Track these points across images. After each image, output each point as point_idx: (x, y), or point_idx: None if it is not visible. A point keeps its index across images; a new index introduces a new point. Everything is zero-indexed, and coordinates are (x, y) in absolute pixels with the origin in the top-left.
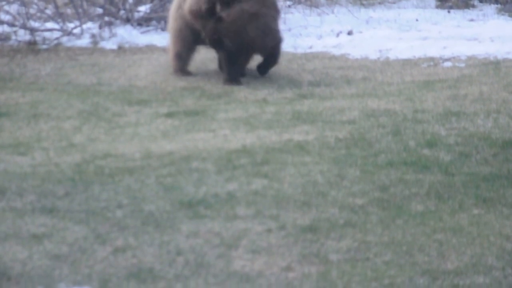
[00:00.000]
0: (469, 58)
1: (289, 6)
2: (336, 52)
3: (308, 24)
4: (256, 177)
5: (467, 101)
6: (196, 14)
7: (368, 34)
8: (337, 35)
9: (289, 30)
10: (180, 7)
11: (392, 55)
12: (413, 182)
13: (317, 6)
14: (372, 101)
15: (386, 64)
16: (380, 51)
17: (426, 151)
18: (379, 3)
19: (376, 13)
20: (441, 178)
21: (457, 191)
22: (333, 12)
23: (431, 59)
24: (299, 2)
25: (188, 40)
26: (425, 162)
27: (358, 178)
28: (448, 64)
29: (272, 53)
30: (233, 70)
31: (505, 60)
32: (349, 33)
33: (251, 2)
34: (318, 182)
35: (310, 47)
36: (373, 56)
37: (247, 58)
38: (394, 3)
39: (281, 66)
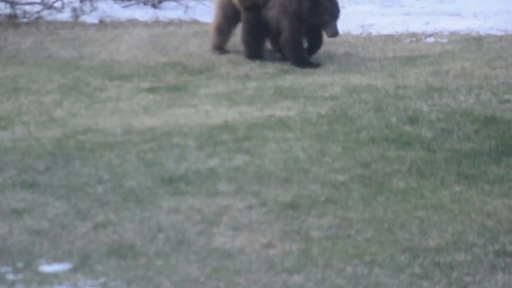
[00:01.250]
0: (452, 33)
1: None
2: None
3: None
4: (238, 153)
5: (449, 77)
6: None
7: (351, 9)
8: None
9: None
10: None
11: (374, 31)
12: (394, 158)
13: None
14: (354, 77)
15: (368, 39)
16: (362, 26)
17: (408, 128)
18: None
19: None
20: (423, 154)
21: (439, 168)
22: None
23: (414, 34)
24: None
25: (230, 15)
26: (407, 139)
27: (339, 155)
28: (430, 39)
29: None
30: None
31: (487, 36)
32: None
33: None
34: (299, 158)
35: None
36: (356, 31)
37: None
38: None
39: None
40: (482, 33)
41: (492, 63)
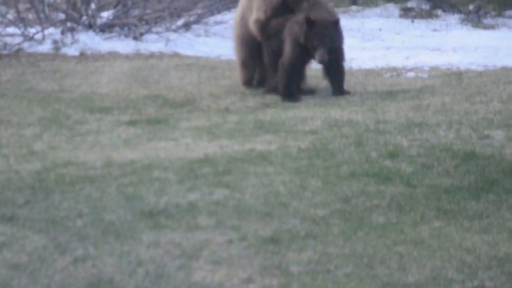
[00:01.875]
0: (432, 68)
1: None
2: None
3: None
4: (218, 187)
5: (429, 112)
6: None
7: None
8: None
9: None
10: (244, 14)
11: (355, 65)
12: (375, 193)
13: None
14: (335, 111)
15: (349, 73)
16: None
17: (388, 162)
18: (343, 11)
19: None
20: (402, 189)
21: (419, 203)
22: None
23: (394, 69)
24: None
25: (253, 48)
26: (387, 174)
27: (320, 189)
28: (411, 74)
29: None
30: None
31: (467, 71)
32: None
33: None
34: (280, 192)
35: None
36: None
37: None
38: (357, 12)
39: None
40: (462, 68)
41: (472, 98)
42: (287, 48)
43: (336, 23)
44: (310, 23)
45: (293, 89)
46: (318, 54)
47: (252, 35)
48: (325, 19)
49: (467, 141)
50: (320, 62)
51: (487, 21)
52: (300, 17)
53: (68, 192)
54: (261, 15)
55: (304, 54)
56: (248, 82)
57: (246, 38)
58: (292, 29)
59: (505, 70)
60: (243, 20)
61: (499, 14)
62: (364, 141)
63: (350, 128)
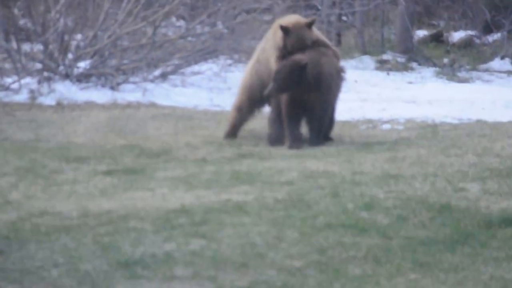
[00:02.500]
0: (408, 120)
1: (230, 65)
2: None
3: None
4: (194, 237)
5: (405, 163)
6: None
7: None
8: None
9: (229, 89)
10: (258, 61)
11: None
12: (351, 245)
13: None
14: (311, 162)
15: None
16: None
17: (364, 214)
18: None
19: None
20: (379, 241)
21: (395, 255)
22: None
23: (370, 121)
24: (240, 61)
25: (255, 98)
26: (363, 225)
27: (296, 240)
28: (386, 126)
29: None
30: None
31: (442, 123)
32: None
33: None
34: (256, 243)
35: None
36: None
37: None
38: None
39: (221, 125)
40: (437, 120)
41: (447, 151)
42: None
43: (301, 67)
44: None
45: (296, 135)
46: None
47: (258, 84)
48: (295, 60)
49: (442, 194)
50: (265, 94)
51: (462, 74)
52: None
53: (44, 242)
54: (276, 53)
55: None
56: (235, 127)
57: (253, 86)
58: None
59: (480, 123)
60: (254, 68)
61: (474, 68)
62: (341, 192)
63: (326, 179)
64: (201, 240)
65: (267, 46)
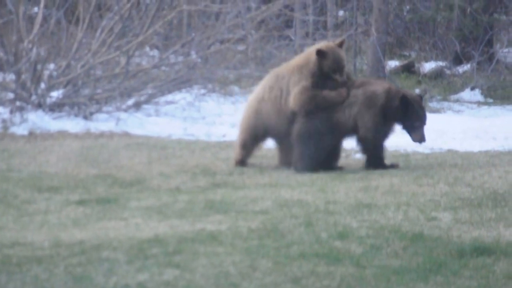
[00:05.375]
0: None
1: (204, 94)
2: None
3: (222, 112)
4: (168, 267)
5: (378, 193)
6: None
7: None
8: None
9: (203, 118)
10: (263, 100)
11: None
12: (325, 274)
13: (231, 95)
14: (285, 191)
15: None
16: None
17: (338, 243)
18: None
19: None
20: (352, 270)
21: (368, 284)
22: (247, 101)
23: (343, 150)
24: (214, 91)
25: (258, 134)
26: (337, 254)
27: (270, 270)
28: (359, 155)
29: None
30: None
31: (414, 153)
32: None
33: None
34: (230, 273)
35: (224, 136)
36: None
37: None
38: None
39: (195, 155)
40: (409, 150)
41: (419, 180)
42: (370, 122)
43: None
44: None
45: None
46: (419, 133)
47: (261, 123)
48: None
49: (415, 223)
50: (419, 141)
51: (433, 104)
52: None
53: (15, 273)
54: (306, 83)
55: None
56: (242, 162)
57: (255, 124)
58: (372, 100)
59: (451, 152)
60: (258, 108)
61: (445, 98)
62: (314, 221)
63: (300, 209)
64: (175, 270)
65: (280, 85)
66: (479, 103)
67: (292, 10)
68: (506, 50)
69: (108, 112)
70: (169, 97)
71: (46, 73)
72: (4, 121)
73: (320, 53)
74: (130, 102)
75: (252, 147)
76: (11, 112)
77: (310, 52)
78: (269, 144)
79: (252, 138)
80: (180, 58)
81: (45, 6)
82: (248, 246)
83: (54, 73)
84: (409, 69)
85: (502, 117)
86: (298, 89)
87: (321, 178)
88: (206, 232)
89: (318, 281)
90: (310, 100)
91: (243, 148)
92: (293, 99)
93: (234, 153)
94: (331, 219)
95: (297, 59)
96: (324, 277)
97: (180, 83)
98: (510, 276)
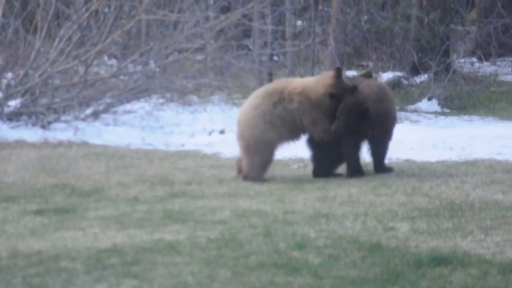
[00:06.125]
0: None
1: (162, 104)
2: (208, 150)
3: (181, 122)
4: (126, 277)
5: (336, 203)
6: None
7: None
8: (210, 133)
9: (162, 128)
10: (270, 114)
11: None
12: (283, 284)
13: (190, 104)
14: (243, 201)
15: None
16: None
17: (296, 253)
18: (233, 103)
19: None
20: (310, 281)
21: None
22: (205, 111)
23: (301, 160)
24: (172, 100)
25: (273, 151)
26: (295, 265)
27: (228, 280)
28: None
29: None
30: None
31: (372, 163)
32: (222, 132)
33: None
34: (188, 283)
35: (183, 145)
36: None
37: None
38: None
39: (153, 164)
40: (367, 160)
41: (377, 190)
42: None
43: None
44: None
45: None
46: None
47: (279, 139)
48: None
49: (373, 233)
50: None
51: None
52: None
53: None
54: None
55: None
56: (262, 179)
57: (273, 142)
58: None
59: (409, 162)
60: (272, 118)
61: (402, 108)
62: (273, 231)
63: (258, 219)
64: (133, 280)
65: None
66: (436, 113)
67: (250, 19)
68: (462, 60)
69: (66, 122)
70: (128, 106)
71: (3, 82)
72: None
73: (332, 96)
74: (88, 111)
75: (269, 164)
76: None
77: (322, 85)
78: (228, 154)
79: (271, 156)
80: (139, 68)
81: (3, 15)
82: (207, 256)
83: (12, 82)
84: (366, 79)
85: (459, 127)
86: (321, 131)
87: (279, 188)
88: (164, 242)
89: None
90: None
91: (263, 168)
92: (318, 136)
93: (252, 173)
94: (289, 229)
95: (309, 87)
96: None
97: (138, 92)
98: (466, 286)
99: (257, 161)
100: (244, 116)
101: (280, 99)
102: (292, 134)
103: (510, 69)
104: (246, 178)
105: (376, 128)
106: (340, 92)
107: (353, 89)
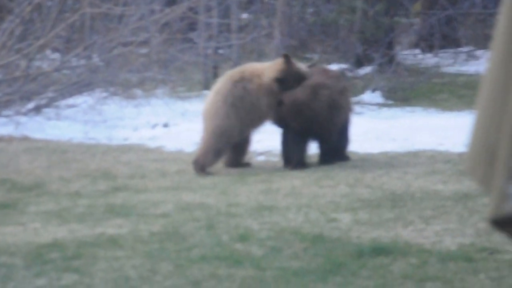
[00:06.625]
0: None
1: (105, 98)
2: (152, 144)
3: (124, 116)
4: (67, 272)
5: (279, 195)
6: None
7: (184, 126)
8: (153, 127)
9: (105, 121)
10: (231, 95)
11: None
12: (225, 277)
13: (133, 98)
14: (186, 195)
15: None
16: (196, 144)
17: (239, 246)
18: (196, 96)
19: (193, 106)
20: (252, 273)
21: (268, 286)
22: (149, 104)
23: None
24: (115, 94)
25: (232, 141)
26: (238, 257)
27: (170, 273)
28: (261, 158)
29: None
30: (300, 154)
31: (316, 155)
32: (165, 125)
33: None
34: (130, 277)
35: (126, 139)
36: (189, 149)
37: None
38: None
39: (96, 158)
40: (310, 152)
41: (320, 182)
42: None
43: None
44: None
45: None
46: None
47: (239, 127)
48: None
49: (315, 224)
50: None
51: None
52: None
53: None
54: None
55: None
56: (208, 167)
57: (232, 130)
58: None
59: (352, 154)
60: (237, 105)
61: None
62: (216, 224)
63: (201, 211)
64: (74, 275)
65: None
66: (379, 105)
67: (196, 12)
68: (406, 52)
69: (7, 116)
70: (70, 100)
71: None
72: None
73: (278, 81)
74: (30, 105)
75: (223, 154)
76: None
77: (271, 70)
78: (171, 148)
79: (226, 145)
80: (82, 61)
81: None
82: (149, 249)
83: None
84: None
85: (402, 119)
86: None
87: (223, 181)
88: (106, 236)
89: (219, 283)
90: None
91: (215, 155)
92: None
93: (202, 157)
94: (232, 221)
95: (264, 71)
96: (225, 280)
97: (81, 86)
98: (407, 275)
99: (213, 147)
100: (207, 103)
101: (240, 77)
102: (252, 117)
103: (452, 60)
104: (196, 162)
105: (322, 119)
106: (287, 78)
107: (301, 77)
